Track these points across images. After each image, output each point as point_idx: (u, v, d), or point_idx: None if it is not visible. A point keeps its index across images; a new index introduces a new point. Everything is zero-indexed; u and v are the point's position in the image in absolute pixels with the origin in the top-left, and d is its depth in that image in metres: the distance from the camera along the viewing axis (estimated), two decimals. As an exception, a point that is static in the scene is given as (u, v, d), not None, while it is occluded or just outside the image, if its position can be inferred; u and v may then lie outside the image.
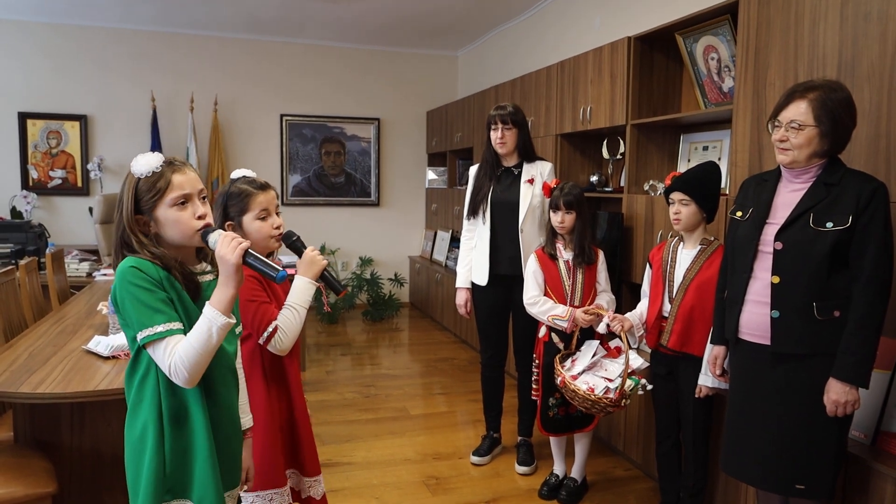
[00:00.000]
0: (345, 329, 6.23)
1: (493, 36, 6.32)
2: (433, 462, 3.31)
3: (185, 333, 1.39)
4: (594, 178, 4.10)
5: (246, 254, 1.38)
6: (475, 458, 3.29)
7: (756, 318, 1.98)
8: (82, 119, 6.17)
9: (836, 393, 1.84)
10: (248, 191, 1.86)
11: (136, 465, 1.43)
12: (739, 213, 2.08)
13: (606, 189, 3.99)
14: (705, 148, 3.43)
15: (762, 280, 1.96)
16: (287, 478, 1.90)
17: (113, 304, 1.42)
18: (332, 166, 6.93)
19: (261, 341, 1.80)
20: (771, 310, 1.93)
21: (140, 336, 1.35)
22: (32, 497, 2.01)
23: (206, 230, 1.43)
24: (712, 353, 2.23)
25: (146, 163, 1.42)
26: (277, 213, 1.90)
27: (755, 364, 2.01)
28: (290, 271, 2.32)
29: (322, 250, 6.73)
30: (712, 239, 2.48)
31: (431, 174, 6.88)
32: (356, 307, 6.79)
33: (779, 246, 1.92)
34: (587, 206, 2.90)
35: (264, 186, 1.89)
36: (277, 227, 1.89)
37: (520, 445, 3.29)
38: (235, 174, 1.93)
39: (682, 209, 2.44)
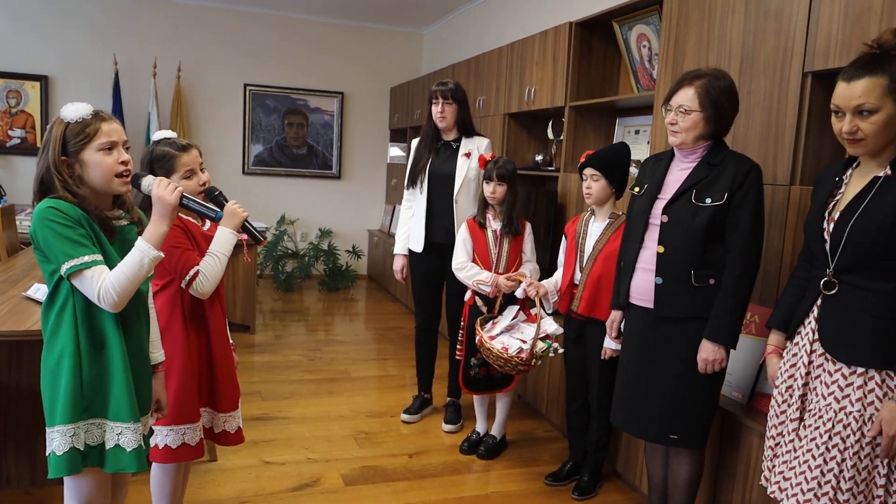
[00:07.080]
0: (301, 297, 6.36)
1: (458, 14, 6.42)
2: (365, 419, 3.49)
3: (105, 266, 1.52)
4: (539, 158, 4.28)
5: (183, 196, 1.52)
6: (405, 416, 3.47)
7: (644, 284, 2.18)
8: (43, 79, 6.16)
9: (706, 352, 2.04)
10: (170, 153, 1.95)
11: (52, 389, 1.57)
12: (637, 189, 2.26)
13: (549, 168, 4.17)
14: (636, 132, 3.62)
15: (650, 250, 2.15)
16: (200, 414, 2.04)
17: (33, 243, 1.55)
18: (294, 137, 7.01)
19: (183, 284, 1.93)
20: (655, 276, 2.12)
21: (66, 266, 1.48)
22: (-34, 428, 2.14)
23: (136, 175, 1.58)
24: (611, 317, 2.43)
25: (76, 110, 1.56)
26: (202, 170, 2.02)
27: (642, 326, 2.21)
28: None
29: (281, 220, 6.83)
30: (620, 213, 2.66)
31: (394, 150, 7.00)
32: (313, 277, 6.91)
33: (665, 219, 2.11)
34: (518, 181, 3.07)
35: (186, 147, 1.98)
36: (203, 184, 2.01)
37: (448, 405, 3.48)
38: (157, 136, 2.02)
39: (593, 184, 2.63)
